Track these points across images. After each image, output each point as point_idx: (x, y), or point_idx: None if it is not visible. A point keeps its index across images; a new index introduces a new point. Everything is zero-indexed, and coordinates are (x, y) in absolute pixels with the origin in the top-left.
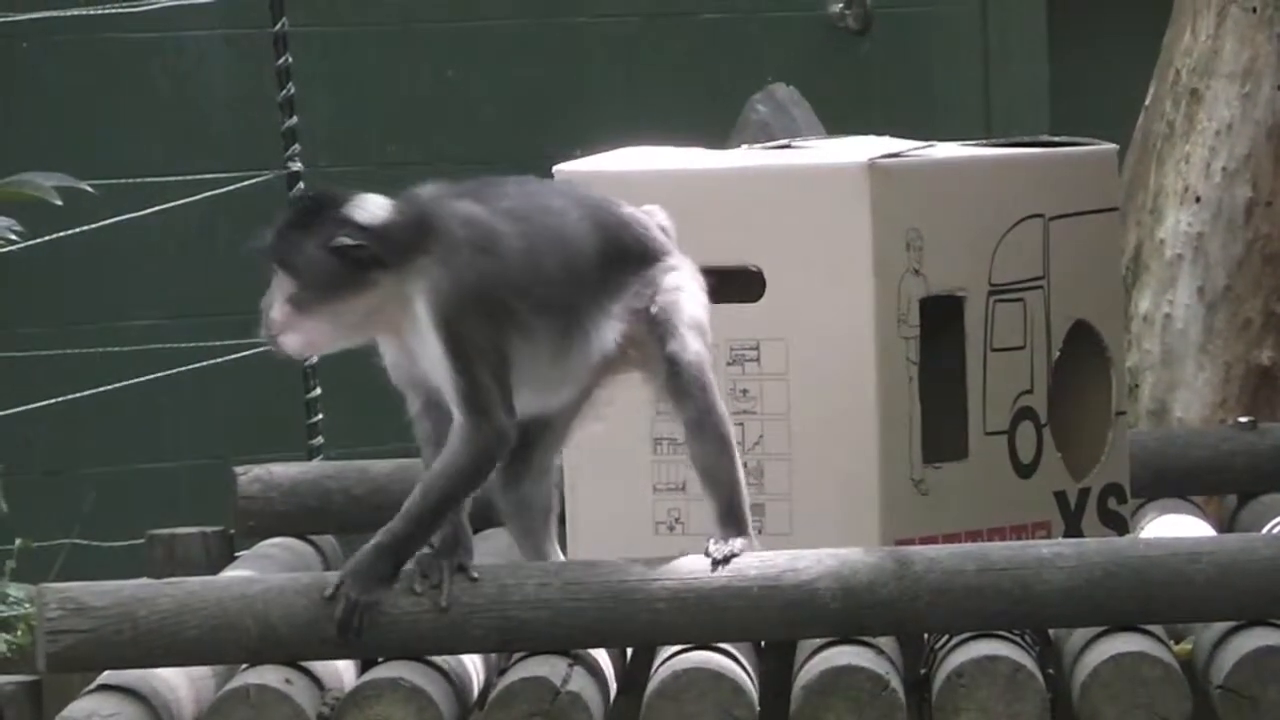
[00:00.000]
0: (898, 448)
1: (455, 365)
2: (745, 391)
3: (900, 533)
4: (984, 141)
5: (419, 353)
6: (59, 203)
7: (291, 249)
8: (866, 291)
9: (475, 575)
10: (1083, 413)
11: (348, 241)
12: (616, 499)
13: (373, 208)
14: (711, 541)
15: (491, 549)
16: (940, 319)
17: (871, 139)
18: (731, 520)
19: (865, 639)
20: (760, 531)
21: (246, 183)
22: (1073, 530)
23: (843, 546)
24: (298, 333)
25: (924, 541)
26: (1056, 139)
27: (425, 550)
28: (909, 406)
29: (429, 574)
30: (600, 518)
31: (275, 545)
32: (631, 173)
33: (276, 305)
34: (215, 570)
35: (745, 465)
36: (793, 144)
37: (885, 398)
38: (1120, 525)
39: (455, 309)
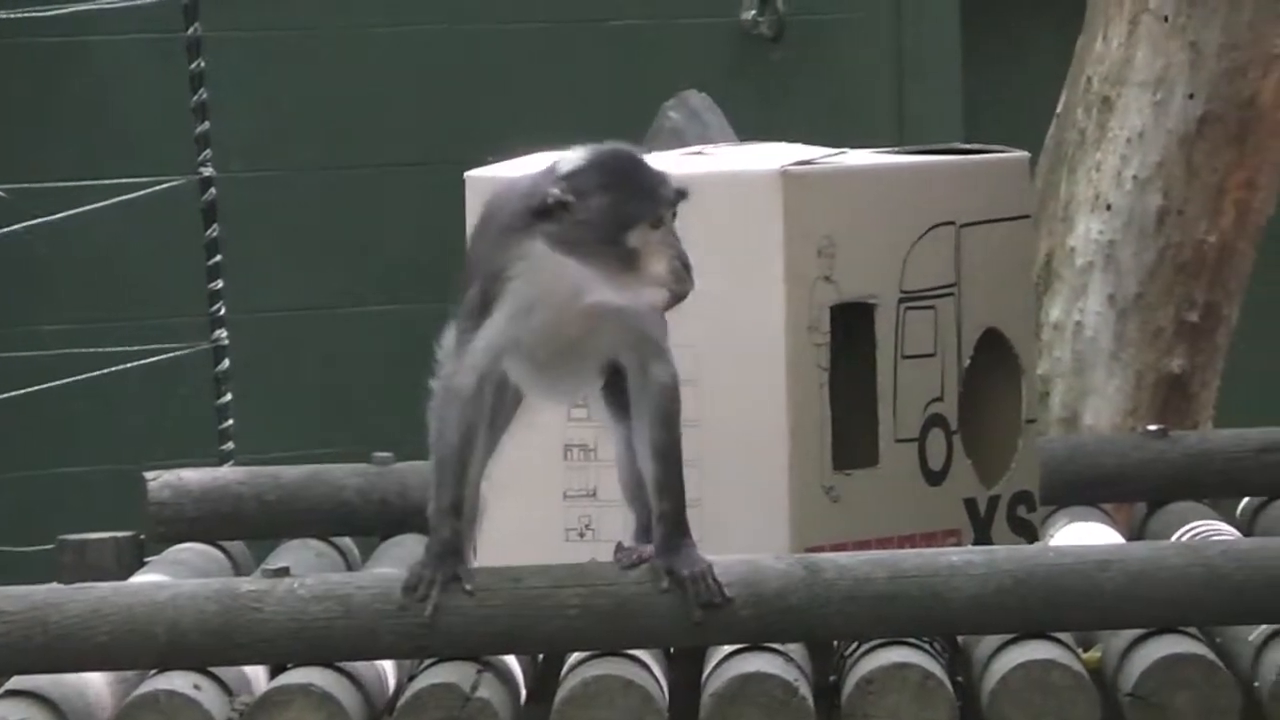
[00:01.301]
0: (808, 455)
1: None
2: None
3: (811, 540)
4: (896, 149)
5: (623, 312)
6: None
7: None
8: (778, 298)
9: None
10: (993, 420)
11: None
12: (527, 506)
13: None
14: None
15: (403, 555)
16: (851, 326)
17: (784, 146)
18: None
19: (775, 646)
20: None
21: (159, 188)
22: (982, 538)
23: (753, 553)
24: None
25: (835, 549)
26: (968, 146)
27: (417, 561)
28: (820, 413)
29: (416, 585)
30: (510, 524)
31: (186, 551)
32: None
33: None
34: (126, 576)
35: None
36: (705, 151)
37: (796, 405)
38: (1030, 533)
39: None
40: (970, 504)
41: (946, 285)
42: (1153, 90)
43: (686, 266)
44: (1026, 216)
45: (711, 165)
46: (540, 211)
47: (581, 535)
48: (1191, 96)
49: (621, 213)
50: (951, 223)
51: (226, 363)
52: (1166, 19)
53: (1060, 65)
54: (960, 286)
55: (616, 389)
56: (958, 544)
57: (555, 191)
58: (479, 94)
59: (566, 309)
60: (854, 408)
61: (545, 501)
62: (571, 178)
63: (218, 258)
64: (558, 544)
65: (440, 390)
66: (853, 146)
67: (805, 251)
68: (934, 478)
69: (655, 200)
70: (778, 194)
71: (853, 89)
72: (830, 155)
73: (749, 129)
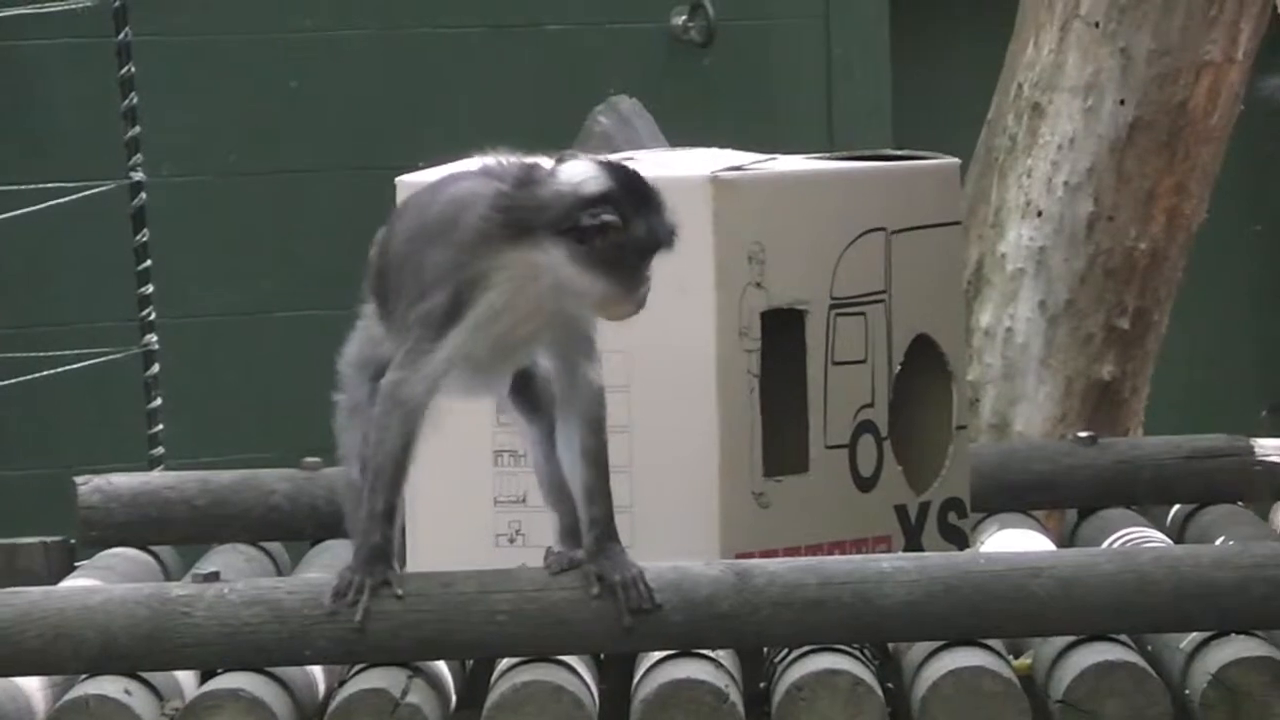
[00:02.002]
0: (738, 461)
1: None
2: None
3: (741, 546)
4: (826, 155)
5: (571, 319)
6: None
7: None
8: (708, 304)
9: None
10: (923, 426)
11: None
12: (456, 511)
13: None
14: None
15: (332, 560)
16: (782, 332)
17: (714, 151)
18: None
19: (705, 652)
20: None
21: (89, 192)
22: (913, 544)
23: (683, 559)
24: None
25: (764, 555)
26: (899, 153)
27: (346, 566)
28: (750, 419)
29: (347, 591)
30: (440, 530)
31: (115, 556)
32: None
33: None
34: (56, 580)
35: None
36: (635, 156)
37: (726, 411)
38: (960, 539)
39: None
40: (901, 510)
41: (877, 291)
42: (1083, 96)
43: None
44: (957, 223)
45: (642, 171)
46: (567, 228)
47: (511, 541)
48: (1122, 103)
49: (653, 240)
50: (882, 229)
51: (156, 367)
52: (1097, 25)
53: (990, 71)
54: (891, 293)
55: (528, 391)
56: (888, 551)
57: (608, 217)
58: (409, 98)
59: (532, 315)
60: (784, 414)
61: (475, 507)
62: (612, 201)
63: (148, 262)
64: (488, 549)
65: (386, 397)
66: (783, 152)
67: (736, 257)
68: (864, 484)
69: (672, 230)
70: (708, 200)
71: (782, 95)
72: (761, 161)
73: (679, 134)
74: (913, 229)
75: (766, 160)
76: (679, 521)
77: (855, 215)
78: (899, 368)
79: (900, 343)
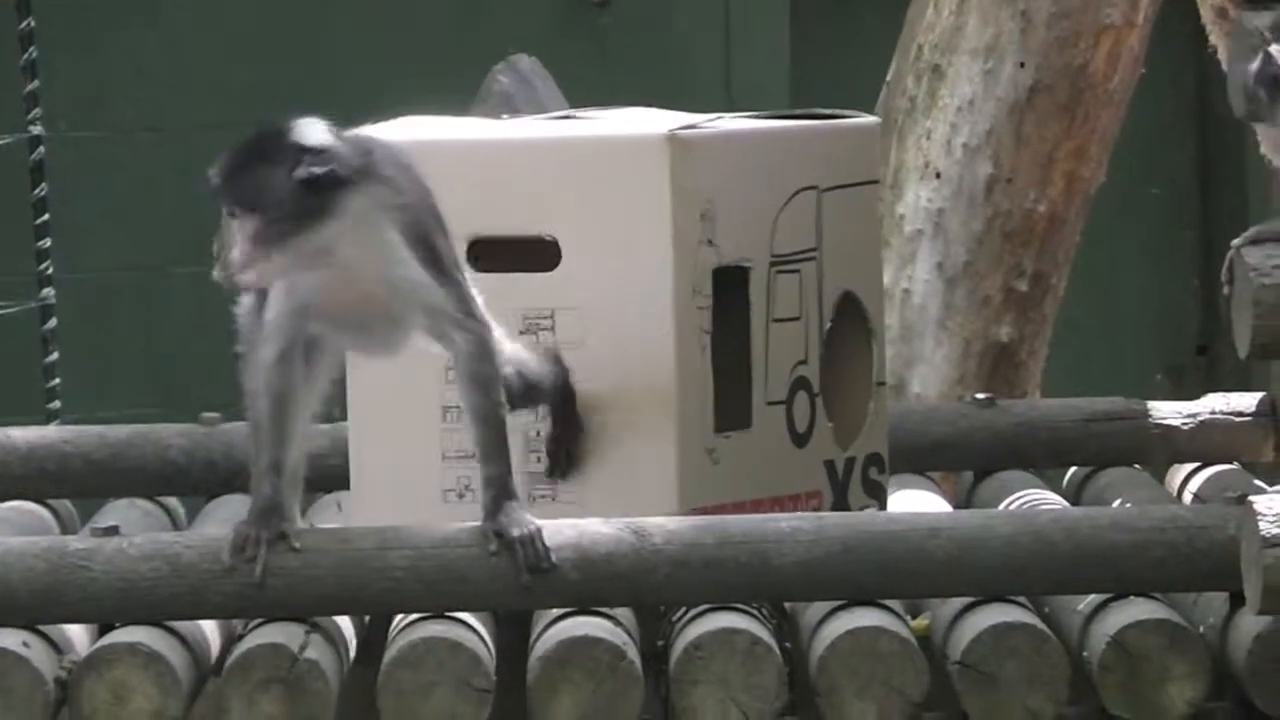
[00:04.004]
0: (693, 417)
1: (440, 278)
2: None
3: (695, 501)
4: (762, 113)
5: (377, 279)
6: None
7: (252, 186)
8: (664, 262)
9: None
10: (846, 383)
11: (315, 171)
12: (405, 467)
13: (319, 132)
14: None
15: (229, 515)
16: (725, 289)
17: (655, 110)
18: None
19: (603, 610)
20: (554, 499)
21: None
22: (840, 500)
23: (639, 516)
24: (257, 268)
25: (715, 510)
26: (825, 111)
27: (241, 520)
28: (703, 376)
29: (244, 546)
30: (387, 485)
31: (12, 509)
32: (425, 142)
33: (239, 245)
34: None
35: (540, 434)
36: (577, 115)
37: (681, 368)
38: (881, 495)
39: (423, 226)
40: (829, 465)
41: (809, 249)
42: (983, 59)
43: (232, 262)
44: (877, 181)
45: (596, 129)
46: None
47: (460, 496)
48: (1022, 65)
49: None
50: (814, 187)
51: (54, 321)
52: None
53: (890, 32)
54: (821, 250)
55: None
56: (819, 506)
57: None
58: (307, 55)
59: (333, 277)
60: (726, 371)
61: (423, 462)
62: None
63: (45, 216)
64: (436, 504)
65: (249, 358)
66: (680, 110)
67: (690, 215)
68: (800, 440)
69: (210, 188)
70: (665, 158)
71: (681, 54)
72: (710, 120)
73: (578, 93)
74: (840, 187)
75: (715, 119)
76: (635, 478)
77: (791, 173)
78: (829, 324)
79: (829, 300)
